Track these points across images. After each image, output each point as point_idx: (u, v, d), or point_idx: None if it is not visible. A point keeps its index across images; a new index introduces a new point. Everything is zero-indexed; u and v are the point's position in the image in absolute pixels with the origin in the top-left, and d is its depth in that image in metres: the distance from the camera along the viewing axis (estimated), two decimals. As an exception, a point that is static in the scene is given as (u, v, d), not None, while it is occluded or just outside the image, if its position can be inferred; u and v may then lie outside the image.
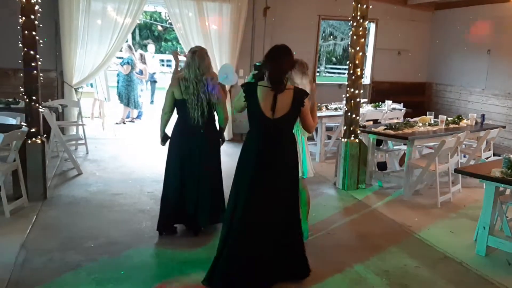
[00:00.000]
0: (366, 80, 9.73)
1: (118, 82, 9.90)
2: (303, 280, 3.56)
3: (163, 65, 16.59)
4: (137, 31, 20.50)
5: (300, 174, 3.89)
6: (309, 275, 3.59)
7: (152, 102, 12.57)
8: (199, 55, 4.12)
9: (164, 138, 4.35)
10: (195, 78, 4.08)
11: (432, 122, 6.62)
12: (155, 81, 12.60)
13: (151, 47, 13.34)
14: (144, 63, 10.59)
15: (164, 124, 4.29)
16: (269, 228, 3.36)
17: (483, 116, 6.95)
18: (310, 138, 6.53)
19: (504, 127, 7.14)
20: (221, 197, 4.43)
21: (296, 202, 3.57)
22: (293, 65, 3.44)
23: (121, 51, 9.38)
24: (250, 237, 3.34)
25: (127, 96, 9.77)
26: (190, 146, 4.20)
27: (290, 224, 3.49)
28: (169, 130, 4.38)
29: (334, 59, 22.92)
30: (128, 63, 9.60)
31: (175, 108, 4.24)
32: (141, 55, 10.65)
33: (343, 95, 6.19)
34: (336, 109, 7.75)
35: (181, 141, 4.23)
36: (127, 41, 9.82)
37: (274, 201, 3.37)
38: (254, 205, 3.33)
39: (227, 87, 8.31)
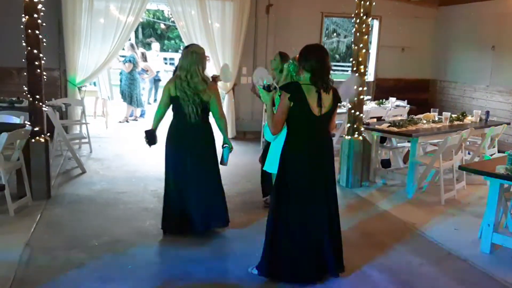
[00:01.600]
0: (370, 77, 9.69)
1: (121, 81, 9.90)
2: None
3: (166, 63, 16.56)
4: (140, 29, 20.47)
5: None
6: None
7: (155, 100, 12.55)
8: (191, 52, 4.14)
9: (150, 133, 4.27)
10: (187, 75, 4.09)
11: (436, 119, 6.58)
12: (159, 80, 12.57)
13: (156, 45, 13.31)
14: (146, 61, 10.57)
15: (156, 119, 4.29)
16: (320, 221, 3.48)
17: (487, 113, 6.92)
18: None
19: (508, 123, 7.09)
20: (222, 196, 4.40)
21: (336, 195, 3.68)
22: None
23: (123, 49, 9.38)
24: (303, 231, 3.45)
25: (130, 95, 9.76)
26: (186, 144, 4.18)
27: (336, 218, 3.60)
28: (163, 131, 4.33)
29: (337, 56, 22.82)
30: (130, 61, 9.59)
31: (171, 106, 4.23)
32: (142, 53, 10.64)
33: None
34: (339, 106, 7.72)
35: (177, 139, 4.23)
36: (129, 40, 9.81)
37: (324, 195, 3.50)
38: (309, 201, 3.45)
39: (228, 87, 8.36)
